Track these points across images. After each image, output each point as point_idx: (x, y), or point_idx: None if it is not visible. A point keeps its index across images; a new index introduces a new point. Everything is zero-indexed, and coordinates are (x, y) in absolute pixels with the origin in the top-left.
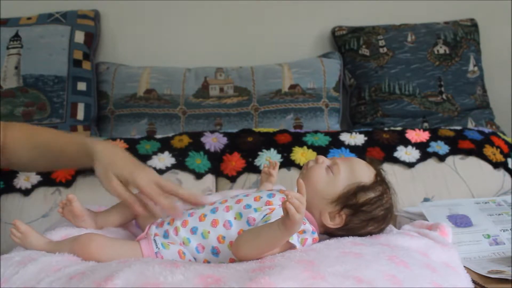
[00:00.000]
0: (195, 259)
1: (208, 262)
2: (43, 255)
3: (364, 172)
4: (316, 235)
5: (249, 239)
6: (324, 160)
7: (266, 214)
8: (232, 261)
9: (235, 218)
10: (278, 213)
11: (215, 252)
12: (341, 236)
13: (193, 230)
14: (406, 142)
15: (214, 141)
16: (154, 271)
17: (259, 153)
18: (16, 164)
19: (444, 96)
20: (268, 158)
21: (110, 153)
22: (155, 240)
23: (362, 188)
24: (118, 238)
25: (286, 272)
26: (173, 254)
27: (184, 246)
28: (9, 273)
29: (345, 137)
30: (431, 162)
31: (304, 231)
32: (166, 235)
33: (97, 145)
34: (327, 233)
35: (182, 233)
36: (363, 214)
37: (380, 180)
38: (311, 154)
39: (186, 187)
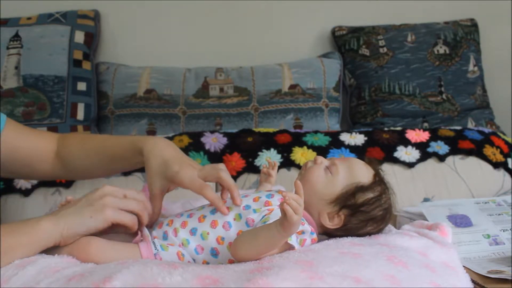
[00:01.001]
0: (194, 260)
1: (207, 263)
2: (42, 257)
3: (362, 173)
4: (315, 236)
5: (248, 240)
6: (322, 161)
7: (265, 215)
8: (231, 262)
9: (234, 219)
10: (277, 213)
11: (214, 253)
12: (340, 236)
13: (193, 231)
14: (406, 142)
15: (214, 141)
16: (153, 272)
17: (259, 153)
18: (73, 172)
19: (444, 96)
20: (268, 158)
21: (157, 155)
22: (154, 242)
23: (361, 189)
24: (116, 241)
25: (284, 273)
26: (172, 255)
27: (183, 247)
28: (9, 275)
29: (345, 137)
30: (431, 162)
31: (303, 232)
32: (165, 236)
33: (146, 144)
34: (326, 234)
35: (182, 234)
36: (362, 215)
37: (378, 180)
38: (311, 154)
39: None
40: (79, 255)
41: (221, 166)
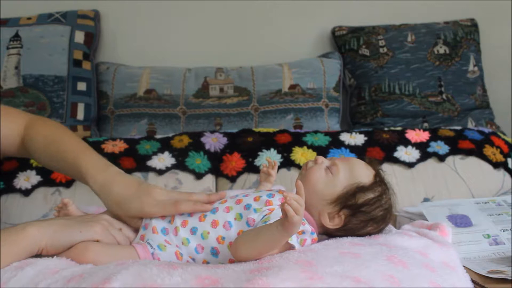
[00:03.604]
0: (193, 259)
1: (208, 262)
2: (40, 259)
3: (363, 173)
4: (315, 236)
5: (248, 240)
6: (323, 161)
7: (265, 215)
8: (231, 261)
9: (235, 219)
10: (277, 213)
11: (214, 252)
12: (340, 236)
13: (193, 231)
14: (406, 142)
15: (214, 141)
16: (152, 273)
17: (259, 153)
18: (32, 157)
19: (444, 96)
20: (268, 158)
21: (108, 198)
22: (149, 243)
23: (361, 189)
24: (113, 244)
25: (284, 273)
26: (170, 255)
27: (183, 246)
28: (7, 277)
29: (345, 137)
30: (431, 162)
31: (303, 232)
32: (164, 231)
33: (92, 183)
34: (326, 234)
35: (182, 233)
36: (362, 215)
37: (379, 181)
38: (311, 154)
39: (186, 187)
40: (77, 259)
41: (180, 203)
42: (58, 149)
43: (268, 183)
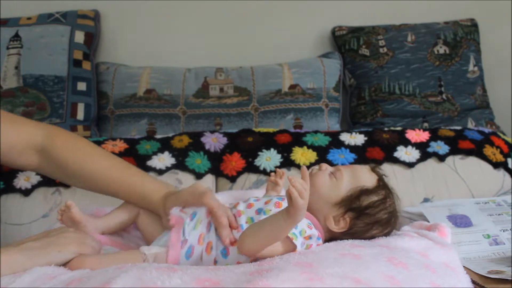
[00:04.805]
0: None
1: (216, 261)
2: (37, 267)
3: (366, 177)
4: (320, 241)
5: (253, 232)
6: (327, 167)
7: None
8: (239, 263)
9: (246, 222)
10: None
11: (224, 253)
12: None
13: (209, 227)
14: (406, 142)
15: (214, 141)
16: (152, 276)
17: (259, 153)
18: (68, 180)
19: (444, 96)
20: (278, 169)
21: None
22: (184, 229)
23: (365, 192)
24: (109, 253)
25: (284, 274)
26: (195, 237)
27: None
28: (5, 283)
29: (345, 137)
30: (431, 162)
31: (310, 237)
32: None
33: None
34: (332, 239)
35: (200, 229)
36: (367, 217)
37: (382, 185)
38: (311, 154)
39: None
40: None
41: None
42: (98, 175)
43: (274, 192)
